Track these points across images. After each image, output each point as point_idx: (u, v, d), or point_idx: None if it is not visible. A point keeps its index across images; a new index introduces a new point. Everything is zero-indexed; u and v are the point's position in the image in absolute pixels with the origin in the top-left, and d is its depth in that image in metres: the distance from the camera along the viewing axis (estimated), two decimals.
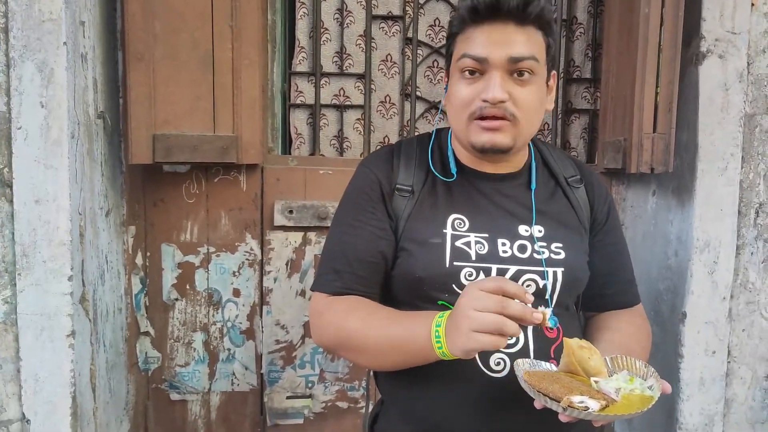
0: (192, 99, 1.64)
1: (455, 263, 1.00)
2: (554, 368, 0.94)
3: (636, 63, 1.57)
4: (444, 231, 1.02)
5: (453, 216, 1.04)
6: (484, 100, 0.97)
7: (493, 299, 0.82)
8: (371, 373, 1.18)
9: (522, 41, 0.97)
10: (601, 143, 1.89)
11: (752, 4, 1.61)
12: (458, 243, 1.01)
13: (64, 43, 1.38)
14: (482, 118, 0.99)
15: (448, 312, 0.90)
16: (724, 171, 1.61)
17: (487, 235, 1.03)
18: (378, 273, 1.05)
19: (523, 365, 0.92)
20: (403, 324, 0.95)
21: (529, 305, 0.83)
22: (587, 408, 0.80)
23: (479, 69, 0.98)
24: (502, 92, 0.96)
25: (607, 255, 1.15)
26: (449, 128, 1.13)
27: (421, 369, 0.98)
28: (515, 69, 0.97)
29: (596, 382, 0.87)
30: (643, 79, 1.56)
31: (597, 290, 1.15)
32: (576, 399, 0.81)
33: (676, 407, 1.67)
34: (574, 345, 0.89)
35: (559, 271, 1.03)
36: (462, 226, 1.03)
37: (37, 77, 1.38)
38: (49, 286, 1.40)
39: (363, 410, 1.88)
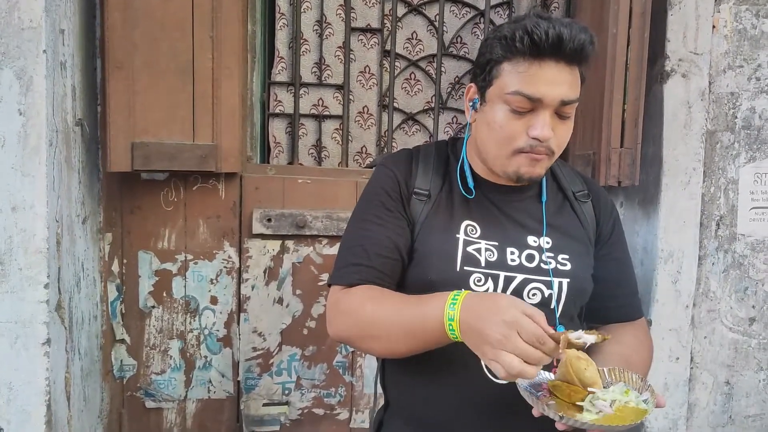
0: (171, 107, 1.65)
1: (465, 268, 1.02)
2: (552, 377, 0.96)
3: (604, 80, 1.64)
4: (457, 236, 1.05)
5: (466, 222, 1.07)
6: (534, 138, 0.98)
7: (538, 332, 0.81)
8: (378, 379, 1.19)
9: (571, 83, 0.98)
10: (571, 156, 1.95)
11: (713, 27, 1.69)
12: (469, 248, 1.04)
13: (44, 51, 1.38)
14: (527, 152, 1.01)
15: (460, 297, 0.89)
16: (686, 185, 1.68)
17: (497, 243, 1.06)
18: (395, 269, 1.06)
19: None
20: (414, 310, 0.96)
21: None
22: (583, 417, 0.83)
23: (529, 107, 0.98)
24: (551, 132, 0.98)
25: (611, 268, 1.17)
26: (461, 138, 1.15)
27: (427, 375, 1.00)
28: (562, 111, 0.99)
29: (593, 392, 0.89)
30: (611, 96, 1.62)
31: (601, 302, 1.16)
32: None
33: None
34: (571, 355, 0.91)
35: (565, 281, 1.06)
36: (474, 232, 1.06)
37: (15, 84, 1.38)
38: (24, 294, 1.40)
39: (339, 417, 1.90)
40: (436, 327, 0.90)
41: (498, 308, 0.84)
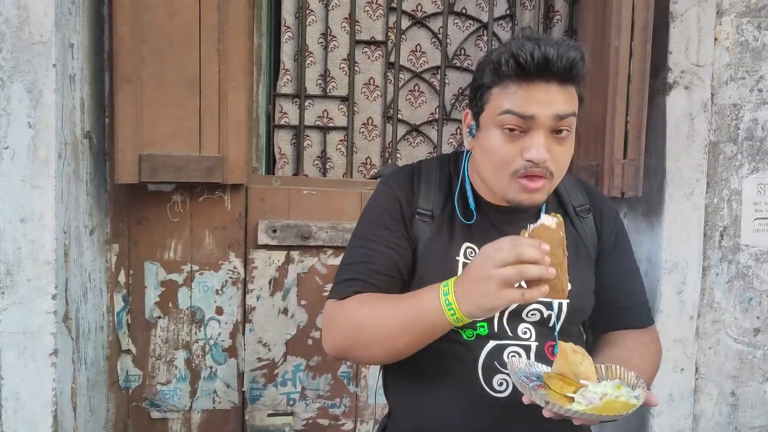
0: (178, 120, 1.67)
1: None
2: (548, 370, 0.98)
3: (607, 92, 1.65)
4: (456, 258, 1.06)
5: (466, 245, 1.07)
6: (529, 160, 0.96)
7: (509, 251, 0.85)
8: (379, 384, 1.19)
9: (564, 99, 0.97)
10: (575, 167, 1.96)
11: (715, 39, 1.71)
12: None
13: (54, 65, 1.41)
14: (524, 176, 0.99)
15: (452, 279, 0.92)
16: (690, 195, 1.69)
17: None
18: (393, 287, 1.06)
19: (518, 364, 0.97)
20: (409, 301, 0.97)
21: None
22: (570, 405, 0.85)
23: (522, 126, 0.97)
24: (547, 153, 0.96)
25: (615, 280, 1.16)
26: (463, 153, 1.14)
27: (427, 384, 1.02)
28: (557, 127, 0.97)
29: (585, 385, 0.90)
30: (614, 108, 1.63)
31: (605, 313, 1.16)
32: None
33: (647, 423, 1.73)
34: (567, 349, 0.94)
35: (564, 302, 1.06)
36: (473, 255, 1.06)
37: (25, 98, 1.40)
38: (32, 305, 1.41)
39: (344, 427, 1.90)
40: (433, 308, 0.92)
41: (472, 268, 0.89)
